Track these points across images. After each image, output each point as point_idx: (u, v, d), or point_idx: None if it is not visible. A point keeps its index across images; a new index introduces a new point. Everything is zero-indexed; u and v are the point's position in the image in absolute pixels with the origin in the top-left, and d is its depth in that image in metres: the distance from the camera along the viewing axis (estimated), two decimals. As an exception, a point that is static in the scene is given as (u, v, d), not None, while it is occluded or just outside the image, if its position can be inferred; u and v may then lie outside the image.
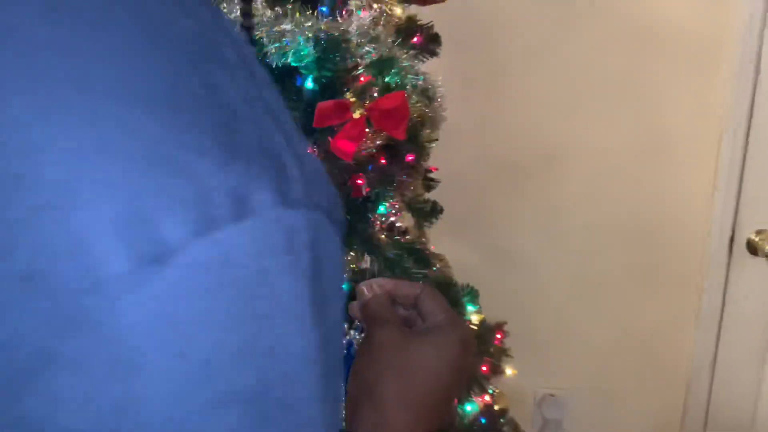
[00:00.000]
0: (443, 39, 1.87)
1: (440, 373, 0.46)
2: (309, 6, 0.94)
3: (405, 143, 0.91)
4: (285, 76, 0.89)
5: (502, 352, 1.46)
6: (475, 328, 1.16)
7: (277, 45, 0.85)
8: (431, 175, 1.40)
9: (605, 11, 1.69)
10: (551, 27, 1.76)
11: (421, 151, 0.95)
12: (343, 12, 0.91)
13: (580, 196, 1.83)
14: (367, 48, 0.89)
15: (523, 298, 1.93)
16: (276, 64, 0.87)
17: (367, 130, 0.89)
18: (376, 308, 0.50)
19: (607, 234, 1.84)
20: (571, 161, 1.82)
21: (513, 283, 1.94)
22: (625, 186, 1.78)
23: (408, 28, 1.22)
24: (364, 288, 0.52)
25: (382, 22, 0.95)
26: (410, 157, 0.92)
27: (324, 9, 1.04)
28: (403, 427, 0.44)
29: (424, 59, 1.25)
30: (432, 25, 1.25)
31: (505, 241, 1.94)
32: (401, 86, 0.93)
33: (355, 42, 0.89)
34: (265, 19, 0.85)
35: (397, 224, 0.94)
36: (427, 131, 1.00)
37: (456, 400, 0.49)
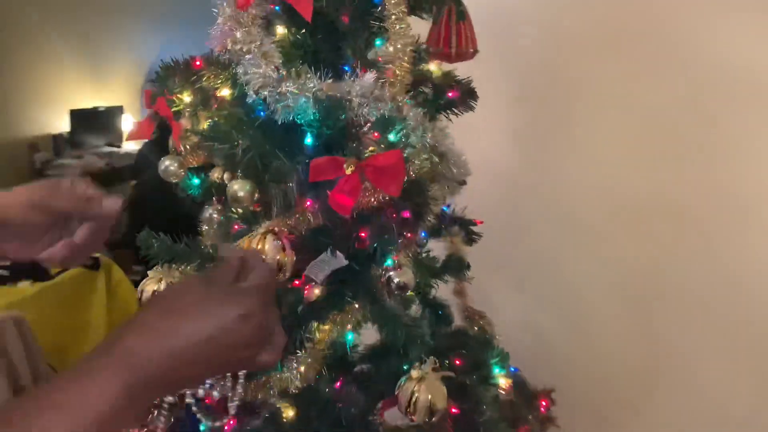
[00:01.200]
0: (508, 87, 1.86)
1: (202, 331, 0.49)
2: (318, 66, 0.99)
3: (403, 200, 0.92)
4: (290, 132, 0.94)
5: (547, 421, 1.38)
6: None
7: (281, 105, 0.90)
8: (475, 229, 1.38)
9: (680, 59, 1.59)
10: (623, 76, 1.68)
11: (424, 209, 0.95)
12: (350, 74, 0.95)
13: (654, 257, 1.71)
14: (369, 107, 0.92)
15: (588, 362, 1.82)
16: (281, 120, 0.92)
17: (366, 185, 0.91)
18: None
19: (686, 300, 1.69)
20: (644, 218, 1.70)
21: (577, 343, 1.83)
22: (705, 246, 1.64)
23: (443, 84, 1.23)
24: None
25: (390, 81, 0.97)
26: (406, 214, 0.92)
27: (346, 68, 1.08)
28: (137, 356, 0.47)
29: (460, 113, 1.25)
30: (470, 80, 1.25)
31: (570, 299, 1.84)
32: (406, 144, 0.94)
33: (356, 102, 0.91)
34: (270, 80, 0.90)
35: (396, 279, 0.94)
36: (436, 188, 0.99)
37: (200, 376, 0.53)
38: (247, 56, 0.95)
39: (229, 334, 0.50)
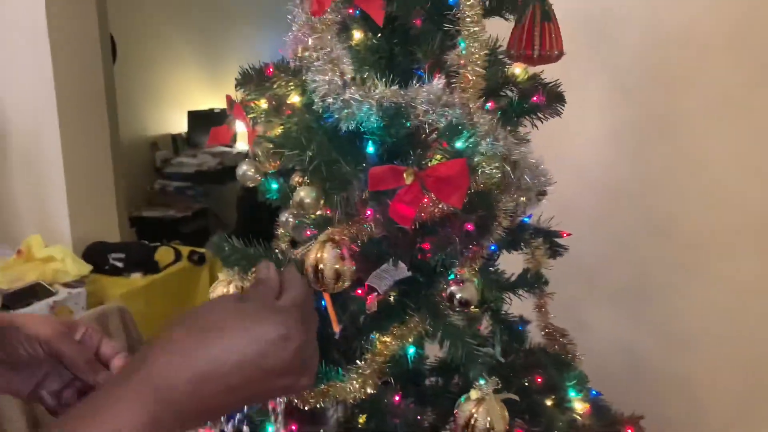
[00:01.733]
0: (606, 87, 1.74)
1: (236, 352, 0.44)
2: (393, 71, 0.96)
3: (468, 212, 0.87)
4: (355, 139, 0.92)
5: (633, 452, 1.28)
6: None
7: (345, 112, 0.89)
8: (560, 241, 1.31)
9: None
10: (736, 75, 1.53)
11: (490, 222, 0.90)
12: (419, 79, 0.92)
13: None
14: (436, 114, 0.88)
15: (684, 389, 1.66)
16: (345, 128, 0.90)
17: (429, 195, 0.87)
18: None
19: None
20: (759, 235, 1.53)
21: (674, 368, 1.68)
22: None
23: (528, 87, 1.17)
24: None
25: (462, 85, 0.93)
26: (470, 227, 0.87)
27: (420, 72, 1.05)
28: (165, 372, 0.43)
29: (546, 118, 1.19)
30: (558, 84, 1.18)
31: (669, 319, 1.70)
32: (474, 152, 0.89)
33: (422, 108, 0.88)
34: (334, 87, 0.89)
35: (457, 295, 0.90)
36: (508, 200, 0.94)
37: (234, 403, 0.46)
38: (316, 63, 0.94)
39: (267, 357, 0.44)
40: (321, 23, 1.00)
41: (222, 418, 0.58)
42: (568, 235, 1.30)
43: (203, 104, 5.67)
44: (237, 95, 1.20)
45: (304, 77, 0.99)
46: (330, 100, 0.90)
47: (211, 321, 0.47)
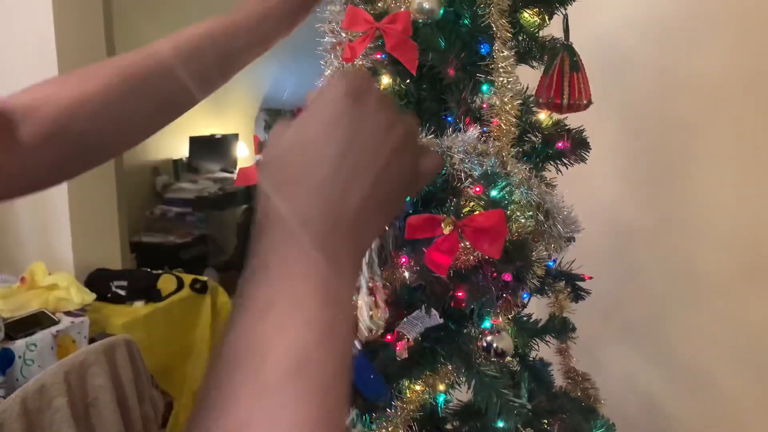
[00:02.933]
0: (621, 130, 1.76)
1: (335, 144, 0.36)
2: (421, 116, 0.97)
3: (504, 262, 0.87)
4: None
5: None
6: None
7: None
8: (582, 284, 1.31)
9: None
10: (752, 123, 1.55)
11: (526, 272, 0.90)
12: (452, 127, 0.92)
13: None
14: (471, 163, 0.88)
15: (702, 427, 1.65)
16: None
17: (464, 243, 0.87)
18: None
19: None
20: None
21: (687, 409, 1.67)
22: None
23: (552, 133, 1.18)
24: None
25: (495, 134, 0.94)
26: (507, 278, 0.87)
27: (449, 118, 1.06)
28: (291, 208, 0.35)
29: (570, 164, 1.19)
30: (581, 130, 1.19)
31: (684, 360, 1.69)
32: (509, 201, 0.89)
33: (458, 157, 0.88)
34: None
35: (495, 345, 0.89)
36: (541, 248, 0.94)
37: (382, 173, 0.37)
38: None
39: (357, 129, 0.37)
40: (352, 68, 1.01)
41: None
42: (590, 278, 1.30)
43: (205, 129, 5.68)
44: (260, 137, 1.20)
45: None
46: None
47: (307, 126, 0.39)
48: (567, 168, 1.16)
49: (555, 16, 1.11)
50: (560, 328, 1.10)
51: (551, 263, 1.20)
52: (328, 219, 0.36)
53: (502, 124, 0.94)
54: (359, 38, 1.00)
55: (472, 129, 0.91)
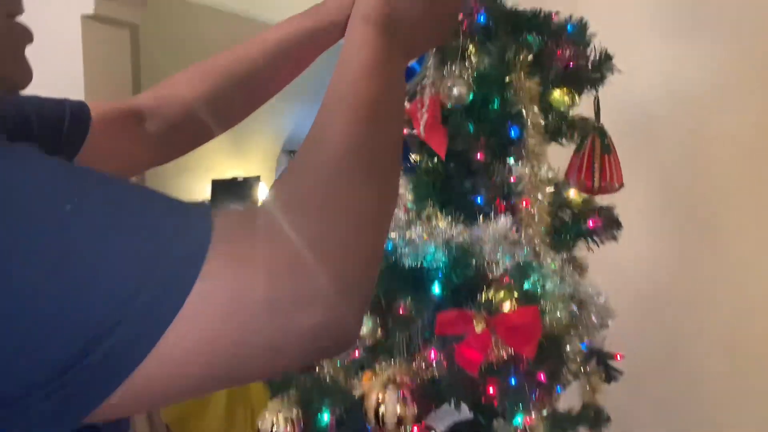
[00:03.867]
0: (654, 195, 1.73)
1: None
2: (449, 194, 0.95)
3: (538, 359, 0.84)
4: (418, 273, 0.90)
5: None
6: None
7: (410, 250, 0.87)
8: (614, 364, 1.26)
9: None
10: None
11: (560, 368, 0.86)
12: (483, 215, 0.90)
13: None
14: (503, 253, 0.86)
15: None
16: (409, 265, 0.88)
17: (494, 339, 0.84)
18: None
19: None
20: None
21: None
22: None
23: (583, 210, 1.15)
24: None
25: (526, 222, 0.91)
26: (541, 377, 0.84)
27: (478, 200, 1.04)
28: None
29: (602, 242, 1.16)
30: (611, 208, 1.16)
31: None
32: (542, 293, 0.86)
33: (489, 247, 0.86)
34: (399, 222, 0.88)
35: (525, 445, 0.85)
36: (575, 340, 0.90)
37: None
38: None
39: None
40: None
41: None
42: (623, 357, 1.26)
43: (227, 172, 5.74)
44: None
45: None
46: (393, 236, 0.89)
47: None
48: (598, 246, 1.13)
49: (585, 95, 1.10)
50: (594, 419, 1.06)
51: (583, 345, 1.15)
52: (390, 14, 0.50)
53: (533, 211, 0.92)
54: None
55: (503, 217, 0.89)
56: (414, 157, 1.09)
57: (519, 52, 0.93)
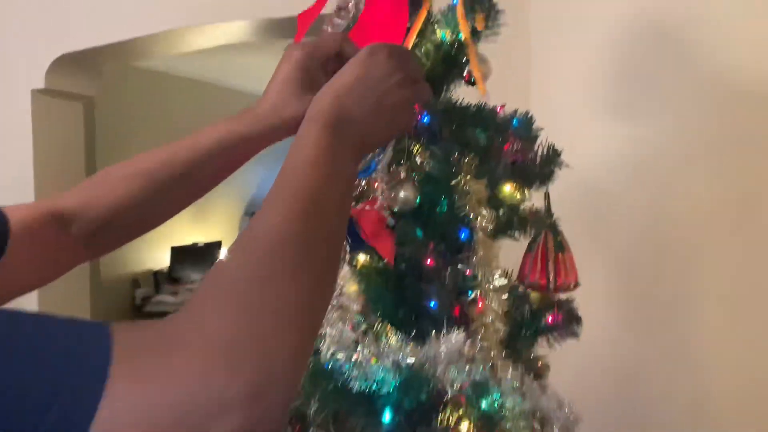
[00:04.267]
0: (614, 271, 1.71)
1: (350, 75, 0.56)
2: (401, 299, 0.90)
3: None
4: (365, 401, 0.83)
5: None
6: None
7: (357, 372, 0.80)
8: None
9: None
10: (743, 246, 1.50)
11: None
12: (434, 330, 0.84)
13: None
14: (458, 372, 0.80)
15: None
16: (356, 388, 0.82)
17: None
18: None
19: None
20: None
21: None
22: None
23: (541, 307, 1.11)
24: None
25: (482, 334, 0.86)
26: None
27: (432, 304, 0.98)
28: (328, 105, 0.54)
29: (562, 339, 1.11)
30: (572, 300, 1.12)
31: None
32: (502, 413, 0.81)
33: (443, 367, 0.80)
34: (346, 341, 0.82)
35: None
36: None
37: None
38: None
39: (369, 68, 0.56)
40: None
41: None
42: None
43: (187, 239, 5.61)
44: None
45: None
46: (340, 356, 0.83)
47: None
48: (560, 345, 1.08)
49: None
50: None
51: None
52: (338, 114, 0.53)
53: (487, 323, 0.87)
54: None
55: (455, 332, 0.83)
56: (362, 258, 1.04)
57: (465, 153, 0.90)
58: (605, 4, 1.70)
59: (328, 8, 0.93)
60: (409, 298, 0.99)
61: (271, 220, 0.44)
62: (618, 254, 1.68)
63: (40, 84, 2.78)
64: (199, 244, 5.62)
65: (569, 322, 1.08)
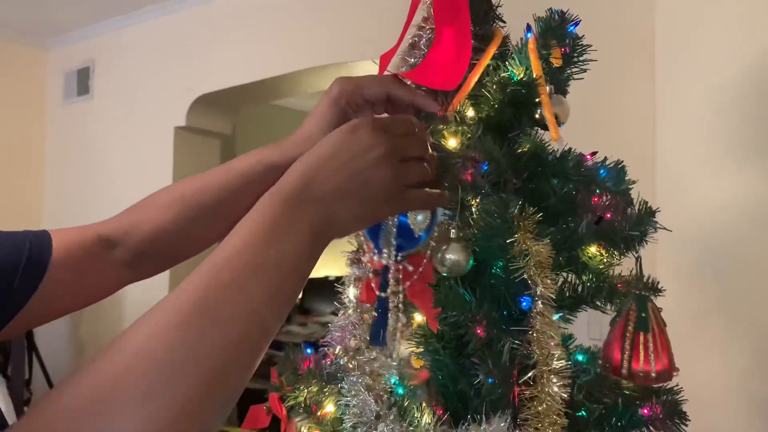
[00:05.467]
0: (734, 340, 1.43)
1: (325, 149, 0.52)
2: (450, 402, 0.78)
3: None
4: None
5: None
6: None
7: (375, 454, 0.70)
8: None
9: None
10: None
11: None
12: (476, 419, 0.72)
13: None
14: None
15: None
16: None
17: None
18: None
19: None
20: None
21: None
22: None
23: (636, 395, 0.92)
24: None
25: (535, 422, 0.72)
26: None
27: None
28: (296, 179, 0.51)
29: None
30: (679, 390, 0.92)
31: None
32: None
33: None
34: (367, 417, 0.72)
35: None
36: None
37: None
38: (353, 374, 0.78)
39: (348, 143, 0.52)
40: (364, 311, 0.86)
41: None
42: None
43: (321, 271, 5.76)
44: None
45: (339, 385, 0.83)
46: (360, 432, 0.73)
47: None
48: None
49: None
50: None
51: None
52: (301, 191, 0.50)
53: (541, 408, 0.73)
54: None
55: (499, 418, 0.70)
56: (419, 318, 0.93)
57: (524, 208, 0.77)
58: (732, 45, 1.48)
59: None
60: (451, 375, 0.87)
61: (146, 324, 0.40)
62: (738, 314, 1.41)
63: (182, 122, 3.01)
64: (330, 278, 5.72)
65: (672, 415, 0.88)
